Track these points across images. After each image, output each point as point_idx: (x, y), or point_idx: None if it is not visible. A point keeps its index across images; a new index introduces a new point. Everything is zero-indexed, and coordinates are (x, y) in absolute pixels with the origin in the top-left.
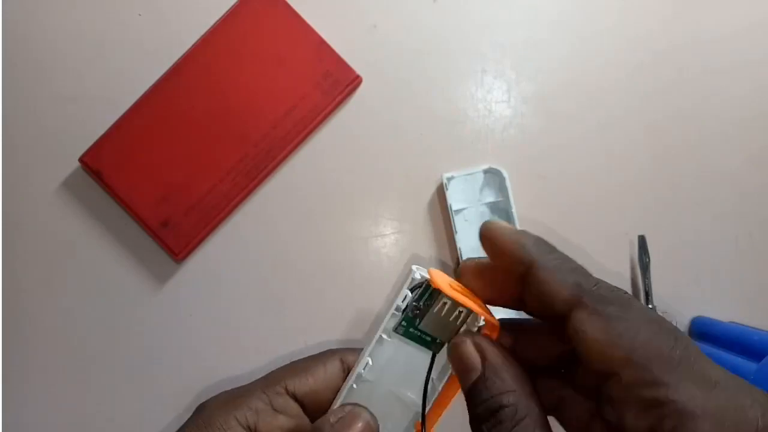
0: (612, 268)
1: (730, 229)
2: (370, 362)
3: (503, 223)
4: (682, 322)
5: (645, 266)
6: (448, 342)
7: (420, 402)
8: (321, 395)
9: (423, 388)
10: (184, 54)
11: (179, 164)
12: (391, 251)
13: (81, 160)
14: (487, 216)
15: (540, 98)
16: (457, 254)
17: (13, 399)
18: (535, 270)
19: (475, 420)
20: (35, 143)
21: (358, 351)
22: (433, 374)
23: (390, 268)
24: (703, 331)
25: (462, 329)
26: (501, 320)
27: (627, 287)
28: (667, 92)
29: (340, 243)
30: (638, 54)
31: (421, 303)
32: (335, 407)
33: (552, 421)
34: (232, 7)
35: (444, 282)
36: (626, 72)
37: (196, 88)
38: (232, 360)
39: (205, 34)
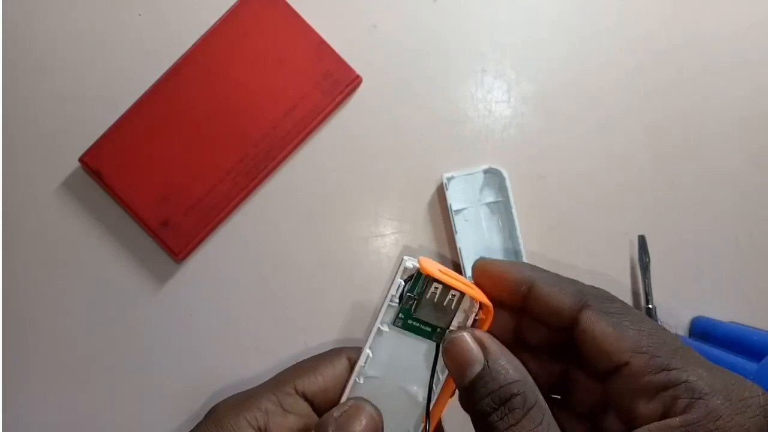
0: (612, 268)
1: (730, 229)
2: (371, 354)
3: (495, 259)
4: (682, 322)
5: (645, 266)
6: (448, 328)
7: (426, 394)
8: (330, 394)
9: (429, 380)
10: (184, 54)
11: (179, 164)
12: (391, 251)
13: (81, 160)
14: (487, 216)
15: (540, 98)
16: (458, 254)
17: (13, 399)
18: (537, 288)
19: (481, 413)
20: (35, 143)
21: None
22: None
23: (390, 268)
24: (703, 331)
25: (457, 314)
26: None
27: (627, 287)
28: (667, 92)
29: (340, 243)
30: (638, 54)
31: (415, 292)
32: (341, 403)
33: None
34: (232, 7)
35: (434, 268)
36: (626, 72)
37: (196, 88)
38: (233, 360)
39: (205, 34)
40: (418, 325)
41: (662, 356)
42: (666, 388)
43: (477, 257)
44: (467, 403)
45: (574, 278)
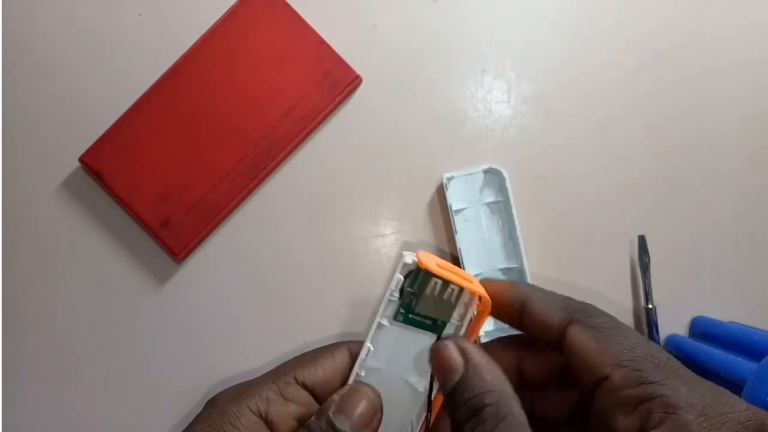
0: (612, 268)
1: (730, 229)
2: (372, 348)
3: (494, 280)
4: (682, 322)
5: (645, 266)
6: (448, 320)
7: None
8: (330, 384)
9: (430, 372)
10: (184, 54)
11: (179, 164)
12: (391, 251)
13: (81, 160)
14: (487, 216)
15: (540, 98)
16: (458, 254)
17: (13, 399)
18: (529, 305)
19: (457, 421)
20: (35, 143)
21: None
22: None
23: (390, 268)
24: (703, 331)
25: (457, 307)
26: (508, 337)
27: (627, 287)
28: (667, 92)
29: (340, 243)
30: (638, 54)
31: (415, 287)
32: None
33: None
34: (232, 7)
35: (432, 262)
36: (626, 72)
37: (196, 88)
38: (233, 360)
39: (205, 34)
40: (419, 319)
41: (642, 370)
42: (643, 402)
43: (477, 257)
44: (448, 411)
45: (574, 278)
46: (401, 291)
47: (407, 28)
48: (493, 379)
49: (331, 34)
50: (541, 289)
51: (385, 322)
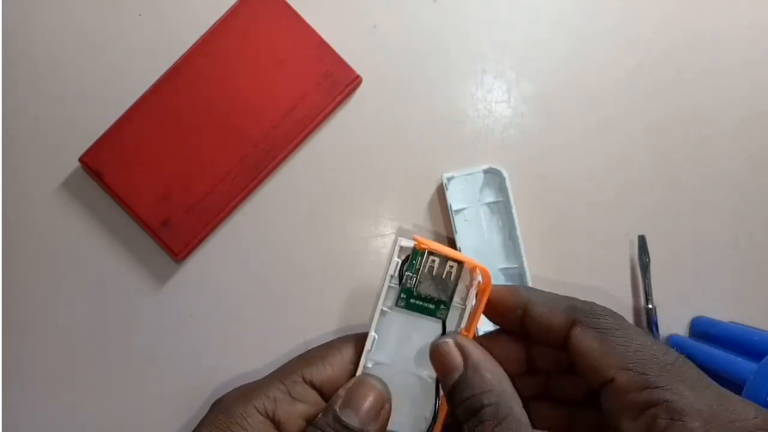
0: (612, 268)
1: (730, 229)
2: (377, 337)
3: (494, 285)
4: (682, 322)
5: (645, 266)
6: (451, 300)
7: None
8: (338, 382)
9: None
10: (184, 54)
11: (179, 164)
12: (391, 251)
13: (81, 160)
14: (487, 216)
15: (540, 98)
16: None
17: (13, 399)
18: (530, 309)
19: (456, 420)
20: (35, 143)
21: None
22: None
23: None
24: (703, 331)
25: (459, 287)
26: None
27: (627, 287)
28: (667, 92)
29: (340, 243)
30: (638, 54)
31: (413, 270)
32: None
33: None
34: (232, 7)
35: (427, 241)
36: (626, 72)
37: (196, 88)
38: (233, 360)
39: (205, 34)
40: (421, 303)
41: (648, 373)
42: (648, 407)
43: (477, 258)
44: (449, 410)
45: (574, 279)
46: (400, 276)
47: (407, 28)
48: (493, 378)
49: (331, 34)
50: (542, 292)
51: (387, 308)
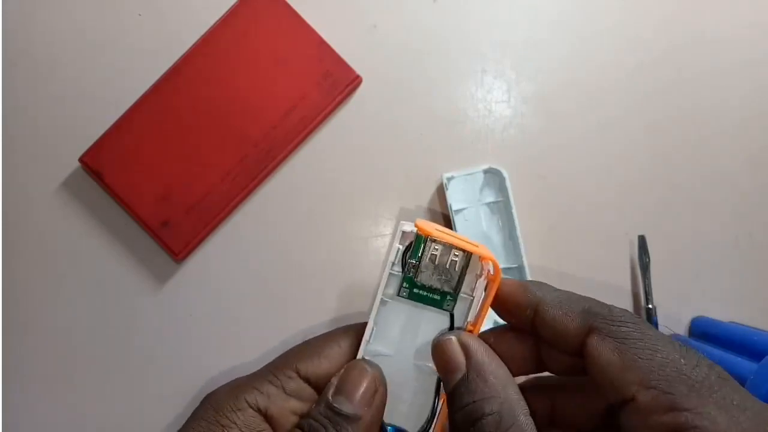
0: (612, 268)
1: (730, 229)
2: (375, 327)
3: (505, 278)
4: (682, 322)
5: (645, 266)
6: (456, 291)
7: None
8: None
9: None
10: (184, 54)
11: (179, 164)
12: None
13: (81, 160)
14: (487, 216)
15: (540, 98)
16: None
17: (13, 399)
18: (542, 310)
19: (454, 428)
20: (35, 143)
21: None
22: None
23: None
24: (703, 331)
25: (467, 277)
26: (537, 379)
27: (627, 287)
28: (667, 92)
29: (340, 243)
30: (638, 54)
31: (416, 258)
32: None
33: None
34: (232, 7)
35: (431, 227)
36: (626, 72)
37: (196, 88)
38: (232, 360)
39: (205, 34)
40: (425, 293)
41: (675, 393)
42: None
43: None
44: (449, 414)
45: (574, 278)
46: (403, 263)
47: (407, 28)
48: (497, 382)
49: (331, 34)
50: (556, 290)
51: (387, 298)
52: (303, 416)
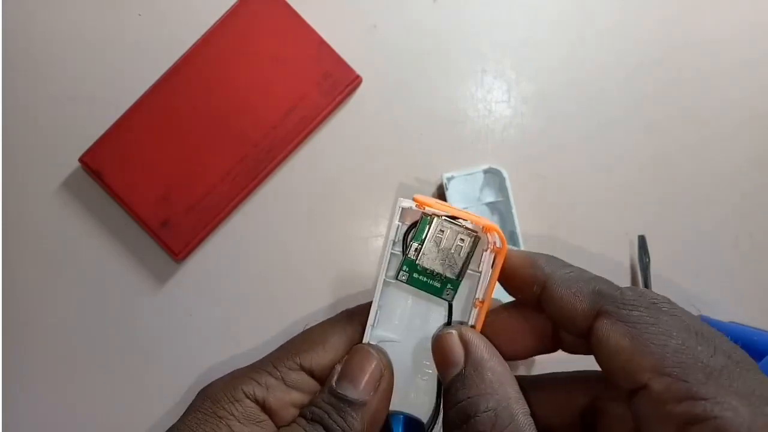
0: (612, 268)
1: (730, 229)
2: (379, 311)
3: (512, 248)
4: None
5: (645, 266)
6: (459, 278)
7: None
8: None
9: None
10: (184, 54)
11: (179, 164)
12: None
13: (81, 160)
14: (487, 216)
15: (540, 98)
16: None
17: (13, 398)
18: (550, 287)
19: (447, 425)
20: (35, 143)
21: None
22: (459, 317)
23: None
24: None
25: (472, 255)
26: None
27: None
28: (667, 92)
29: (340, 243)
30: (638, 54)
31: (420, 240)
32: None
33: None
34: (232, 7)
35: (431, 201)
36: (626, 72)
37: (196, 88)
38: (232, 360)
39: (205, 34)
40: (425, 279)
41: (690, 381)
42: (691, 423)
43: None
44: (444, 409)
45: None
46: (404, 244)
47: (407, 28)
48: (495, 379)
49: (331, 34)
50: (567, 266)
51: (390, 279)
52: (306, 406)
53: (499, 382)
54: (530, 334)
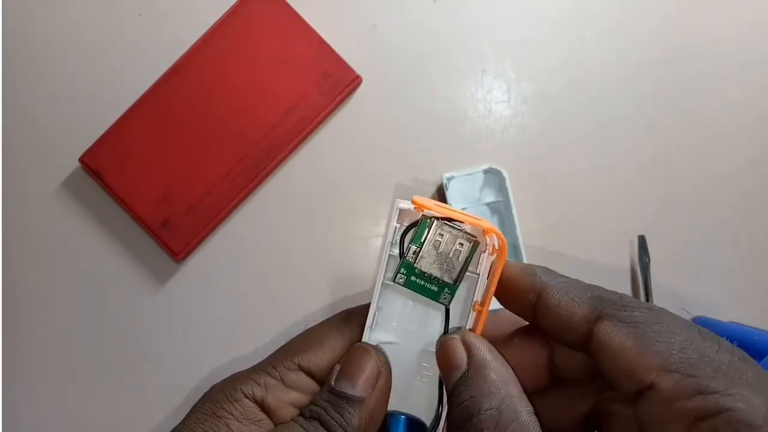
0: (612, 268)
1: (730, 229)
2: (378, 314)
3: (510, 261)
4: None
5: (645, 266)
6: (456, 283)
7: None
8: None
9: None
10: (184, 54)
11: (179, 164)
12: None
13: (81, 160)
14: (487, 216)
15: (540, 98)
16: None
17: (13, 398)
18: (547, 295)
19: (451, 424)
20: (35, 143)
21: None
22: (457, 323)
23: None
24: None
25: (468, 262)
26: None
27: (627, 287)
28: (667, 92)
29: (340, 243)
30: (638, 54)
31: (419, 243)
32: None
33: None
34: (232, 7)
35: (430, 203)
36: (626, 72)
37: (196, 88)
38: (233, 360)
39: (205, 34)
40: (422, 282)
41: (699, 375)
42: (703, 418)
43: None
44: (448, 411)
45: (574, 278)
46: (401, 246)
47: (407, 28)
48: (498, 378)
49: (331, 34)
50: (563, 277)
51: (389, 281)
52: (306, 406)
53: (502, 381)
54: (528, 365)
